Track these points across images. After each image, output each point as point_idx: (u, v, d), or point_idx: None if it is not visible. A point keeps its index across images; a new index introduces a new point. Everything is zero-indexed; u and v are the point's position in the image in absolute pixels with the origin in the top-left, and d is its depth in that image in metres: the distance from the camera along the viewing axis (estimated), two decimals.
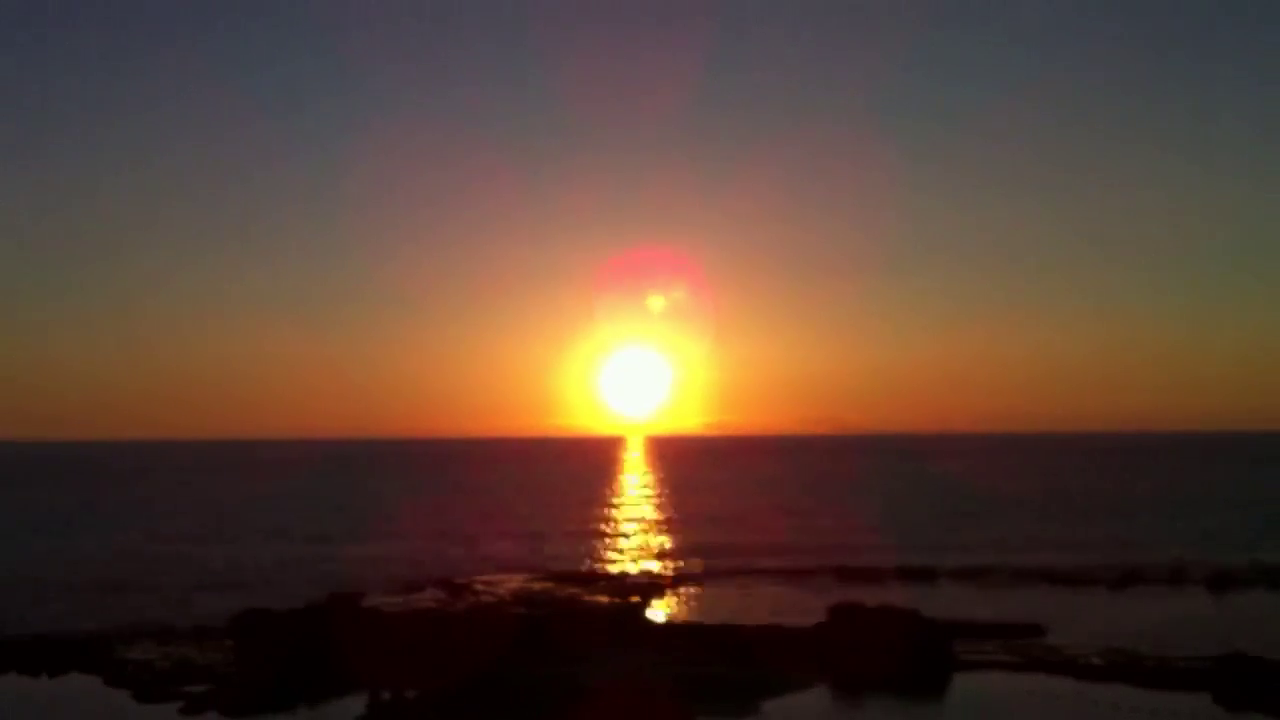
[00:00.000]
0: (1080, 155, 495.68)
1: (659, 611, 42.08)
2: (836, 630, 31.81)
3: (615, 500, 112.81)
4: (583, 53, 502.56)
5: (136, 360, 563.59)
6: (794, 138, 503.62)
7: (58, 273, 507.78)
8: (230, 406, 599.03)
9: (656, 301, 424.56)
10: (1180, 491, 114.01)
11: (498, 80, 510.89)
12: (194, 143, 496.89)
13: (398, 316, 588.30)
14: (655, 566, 58.34)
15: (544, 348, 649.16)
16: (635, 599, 42.11)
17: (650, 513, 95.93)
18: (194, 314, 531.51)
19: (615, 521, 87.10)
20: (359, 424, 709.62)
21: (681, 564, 58.89)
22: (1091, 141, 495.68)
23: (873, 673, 29.81)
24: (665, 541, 71.36)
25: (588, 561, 60.23)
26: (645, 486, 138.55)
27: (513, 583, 45.16)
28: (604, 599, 39.55)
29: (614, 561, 61.23)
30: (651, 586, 48.61)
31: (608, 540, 72.92)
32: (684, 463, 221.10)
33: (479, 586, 43.39)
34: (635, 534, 76.85)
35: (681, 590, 48.77)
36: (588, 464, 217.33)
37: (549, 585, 44.68)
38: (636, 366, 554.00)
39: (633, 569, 57.01)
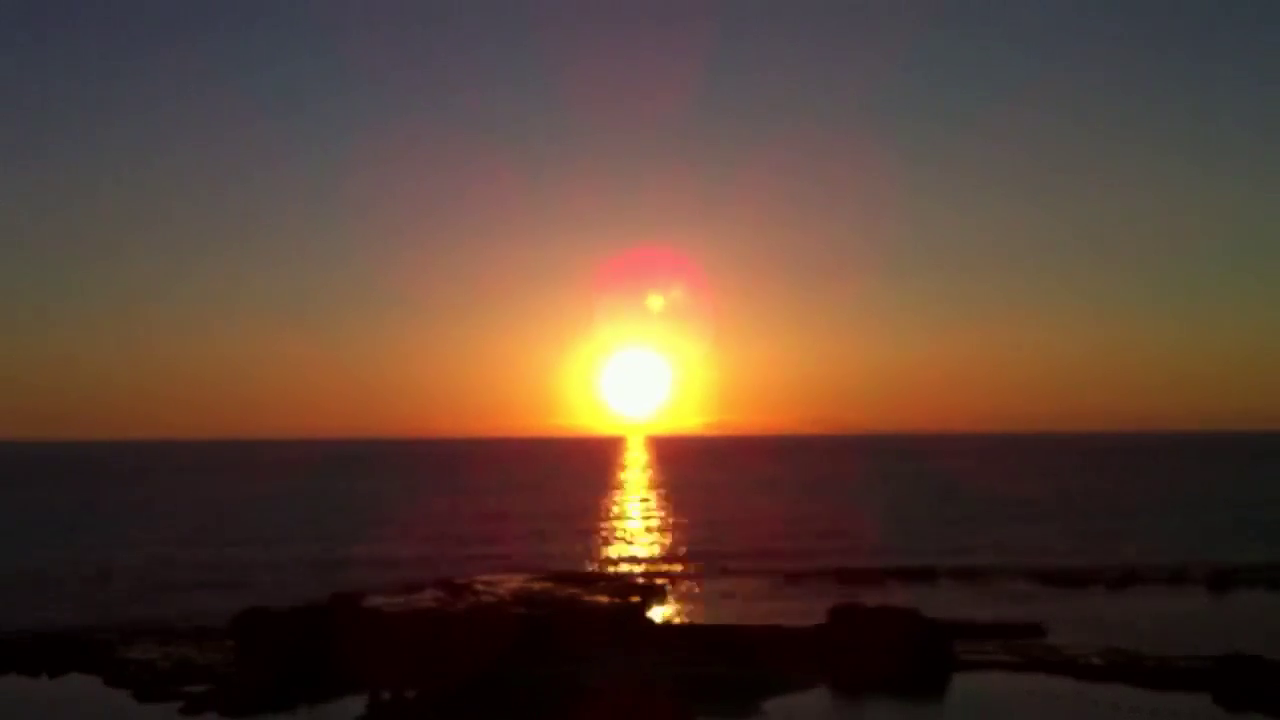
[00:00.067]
0: (1079, 156, 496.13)
1: (659, 611, 42.06)
2: (837, 631, 31.81)
3: (616, 500, 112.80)
4: (583, 55, 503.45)
5: (138, 360, 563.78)
6: (793, 139, 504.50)
7: (59, 273, 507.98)
8: (232, 406, 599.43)
9: (656, 301, 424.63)
10: (1180, 491, 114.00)
11: (499, 83, 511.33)
12: (196, 144, 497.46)
13: (399, 317, 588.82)
14: (656, 567, 58.32)
15: (545, 348, 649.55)
16: (635, 599, 42.09)
17: (650, 513, 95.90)
18: (196, 314, 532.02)
19: (615, 522, 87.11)
20: (361, 424, 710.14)
21: (682, 564, 58.87)
22: (1090, 143, 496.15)
23: (873, 673, 29.81)
24: (665, 542, 71.37)
25: (588, 561, 60.21)
26: (645, 487, 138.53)
27: (513, 583, 45.13)
28: (604, 599, 39.55)
29: (614, 562, 61.22)
30: (652, 586, 48.58)
31: (608, 540, 72.91)
32: (684, 463, 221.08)
33: (479, 586, 43.37)
34: (635, 534, 76.85)
35: (682, 590, 48.78)
36: (588, 464, 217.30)
37: (549, 585, 44.66)
38: (637, 367, 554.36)
39: (633, 569, 57.00)
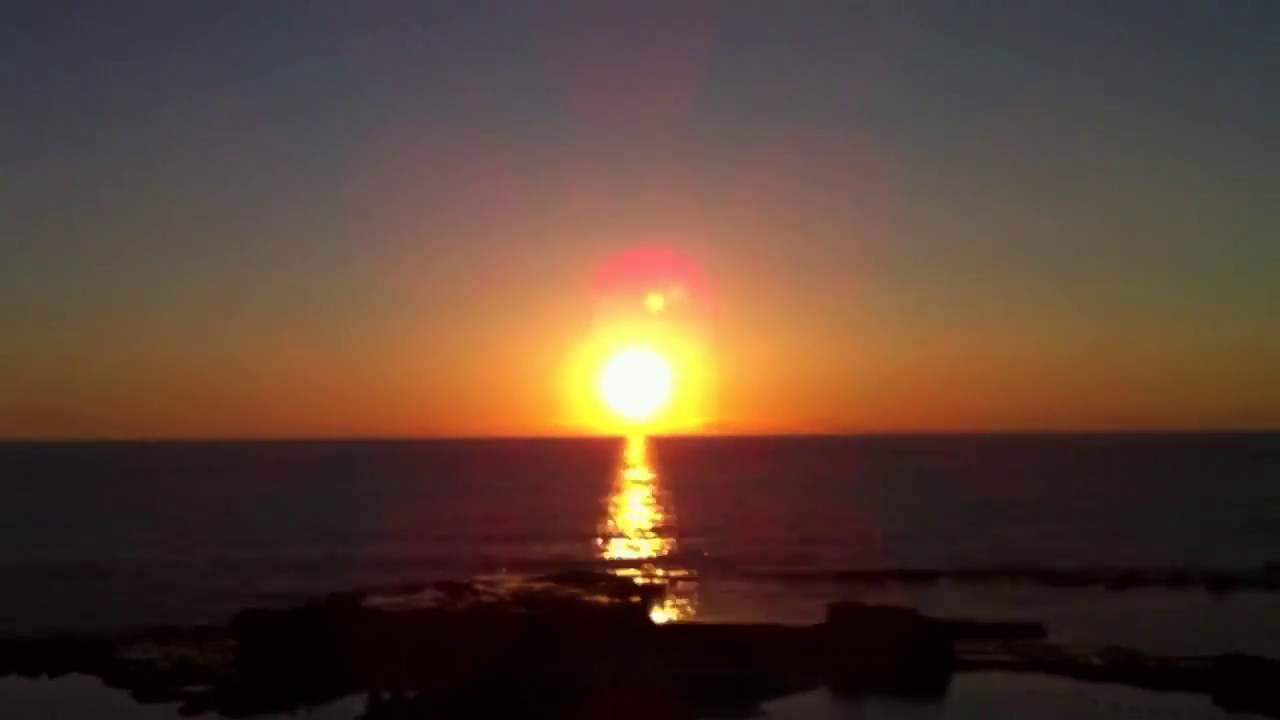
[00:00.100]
0: (1077, 158, 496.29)
1: (659, 611, 42.04)
2: (836, 630, 31.81)
3: (616, 501, 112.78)
4: (583, 56, 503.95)
5: (140, 360, 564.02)
6: (792, 140, 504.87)
7: (61, 274, 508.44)
8: (233, 406, 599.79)
9: (656, 301, 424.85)
10: (1180, 491, 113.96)
11: (499, 84, 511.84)
12: (196, 145, 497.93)
13: (401, 317, 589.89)
14: (656, 567, 58.31)
15: (546, 349, 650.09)
16: (635, 599, 42.01)
17: (650, 513, 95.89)
18: (197, 314, 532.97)
19: (615, 522, 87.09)
20: (362, 424, 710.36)
21: (682, 564, 58.86)
22: (1088, 144, 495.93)
23: (873, 673, 29.81)
24: (665, 542, 71.35)
25: (588, 562, 60.15)
26: (645, 487, 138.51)
27: (513, 583, 45.10)
28: (604, 599, 39.49)
29: (614, 562, 61.20)
30: (652, 586, 48.61)
31: (608, 540, 72.91)
32: (684, 463, 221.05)
33: (479, 586, 43.31)
34: (635, 534, 76.82)
35: (682, 590, 48.76)
36: (589, 464, 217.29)
37: (549, 585, 44.61)
38: (637, 367, 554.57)
39: (633, 569, 56.98)
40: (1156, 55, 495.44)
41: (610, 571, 55.52)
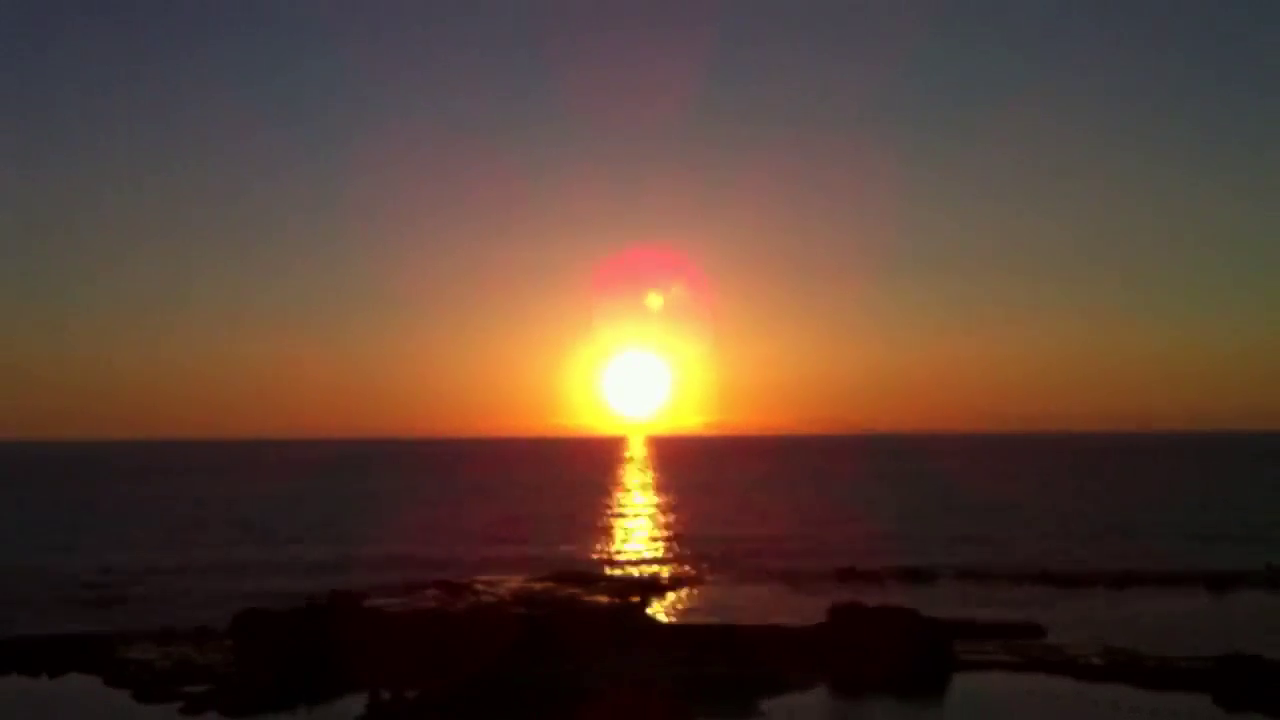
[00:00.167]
0: (1078, 158, 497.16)
1: (659, 611, 42.04)
2: (836, 630, 31.81)
3: (616, 500, 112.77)
4: (583, 58, 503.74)
5: (144, 360, 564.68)
6: (792, 141, 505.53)
7: (65, 275, 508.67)
8: (236, 407, 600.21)
9: (655, 300, 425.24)
10: (1179, 492, 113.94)
11: (500, 86, 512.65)
12: (201, 148, 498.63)
13: (403, 318, 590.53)
14: (655, 566, 58.30)
15: (547, 349, 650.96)
16: (635, 599, 42.11)
17: (650, 513, 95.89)
18: (200, 315, 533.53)
19: (616, 521, 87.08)
20: (364, 424, 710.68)
21: (681, 564, 58.84)
22: (1089, 145, 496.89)
23: (873, 673, 29.81)
24: (665, 542, 71.32)
25: (588, 562, 60.15)
26: (645, 486, 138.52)
27: (513, 583, 45.20)
28: (604, 599, 39.58)
29: (614, 561, 61.18)
30: (651, 586, 48.60)
31: (608, 540, 72.88)
32: (684, 462, 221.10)
33: (479, 586, 43.45)
34: (635, 534, 76.82)
35: (681, 590, 48.73)
36: (590, 464, 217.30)
37: (549, 585, 44.73)
38: (637, 367, 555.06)
39: (633, 569, 56.97)
40: (1156, 56, 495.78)
41: (610, 571, 55.56)
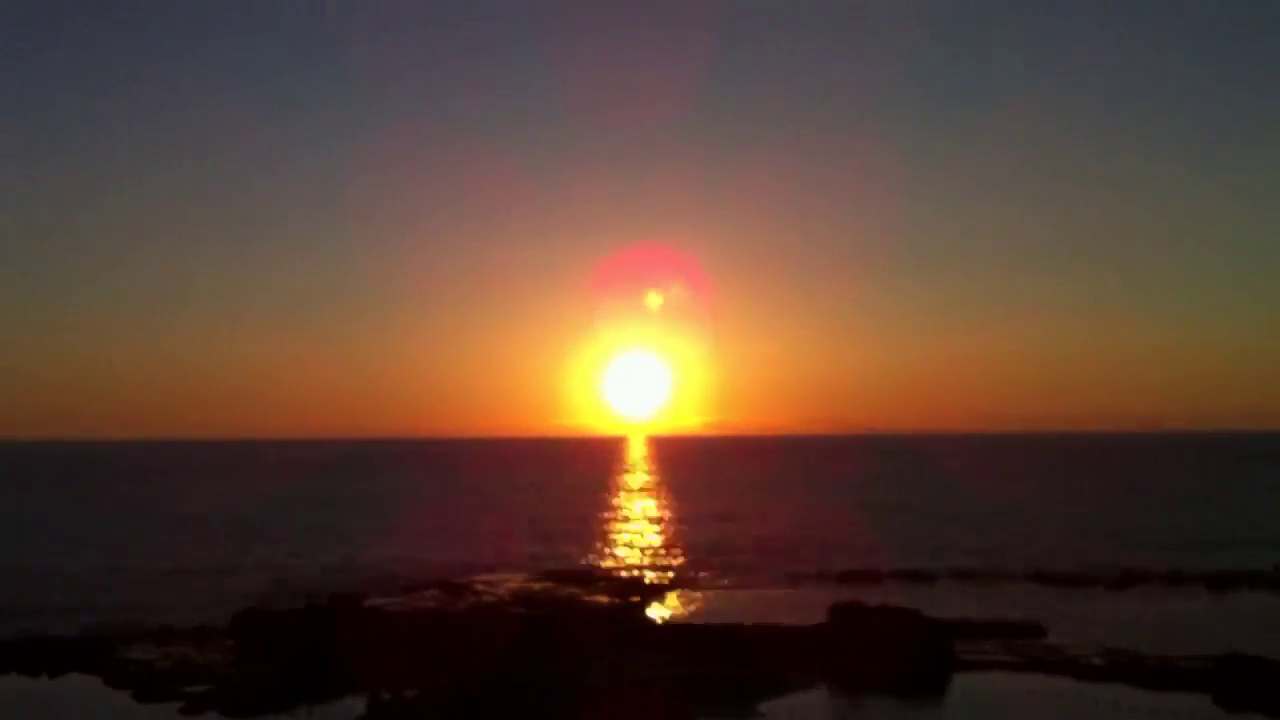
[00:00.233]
0: (1078, 158, 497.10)
1: (659, 611, 42.04)
2: (836, 630, 31.79)
3: (616, 500, 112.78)
4: (584, 58, 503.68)
5: (144, 360, 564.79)
6: (792, 141, 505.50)
7: (65, 275, 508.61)
8: (237, 407, 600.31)
9: (655, 300, 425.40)
10: (1180, 491, 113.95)
11: (501, 86, 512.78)
12: (202, 147, 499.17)
13: (404, 318, 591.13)
14: (656, 567, 58.28)
15: (548, 350, 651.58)
16: (635, 599, 42.06)
17: (650, 513, 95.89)
18: (201, 315, 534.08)
19: (616, 521, 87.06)
20: (365, 424, 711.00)
21: (682, 564, 58.85)
22: (1089, 145, 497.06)
23: (873, 673, 29.79)
24: (665, 542, 71.30)
25: (588, 562, 60.17)
26: (646, 486, 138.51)
27: (513, 583, 45.07)
28: (604, 599, 39.50)
29: (614, 561, 61.18)
30: (651, 586, 48.59)
31: (608, 540, 72.87)
32: (684, 462, 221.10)
33: (479, 586, 43.30)
34: (636, 534, 76.80)
35: (681, 590, 48.73)
36: (590, 464, 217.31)
37: (549, 585, 44.59)
38: (638, 368, 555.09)
39: (633, 569, 56.96)
40: (1156, 56, 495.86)
41: (610, 571, 55.53)
